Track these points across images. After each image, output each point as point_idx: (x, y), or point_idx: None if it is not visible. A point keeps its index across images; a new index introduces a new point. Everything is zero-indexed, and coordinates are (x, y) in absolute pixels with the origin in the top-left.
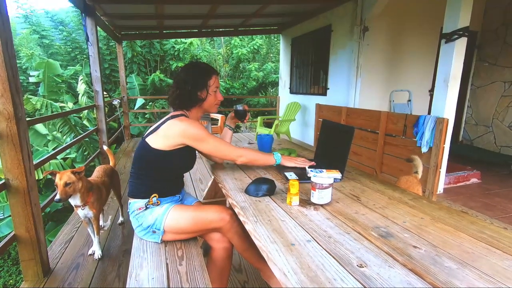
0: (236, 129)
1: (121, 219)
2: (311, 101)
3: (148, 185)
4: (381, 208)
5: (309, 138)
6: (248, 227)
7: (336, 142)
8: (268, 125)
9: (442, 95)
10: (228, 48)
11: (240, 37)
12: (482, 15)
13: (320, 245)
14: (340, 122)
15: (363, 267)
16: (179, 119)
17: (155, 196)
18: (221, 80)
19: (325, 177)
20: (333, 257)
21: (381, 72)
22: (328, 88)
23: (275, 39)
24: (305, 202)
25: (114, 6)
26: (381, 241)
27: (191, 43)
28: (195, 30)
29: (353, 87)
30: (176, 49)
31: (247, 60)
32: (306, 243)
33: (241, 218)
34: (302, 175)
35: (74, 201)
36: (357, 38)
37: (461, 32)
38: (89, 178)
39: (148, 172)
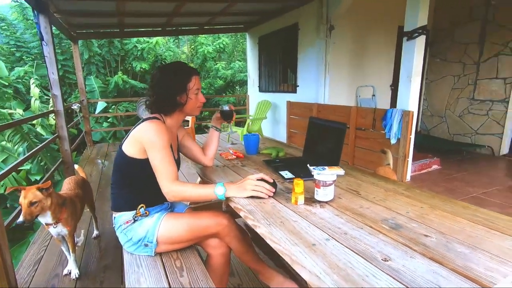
0: (205, 129)
1: (96, 232)
2: (281, 99)
3: (133, 195)
4: (382, 201)
5: (281, 135)
6: (261, 231)
7: (326, 138)
8: (238, 124)
9: (406, 89)
10: (192, 46)
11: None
12: (432, 14)
13: (339, 243)
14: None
15: (387, 260)
16: (149, 122)
17: (143, 207)
18: None
19: (328, 174)
20: (356, 253)
21: (348, 68)
22: (298, 86)
23: (241, 38)
24: (309, 200)
25: (69, 2)
26: (394, 233)
27: (156, 42)
28: (158, 29)
29: (322, 84)
30: (139, 48)
31: (212, 59)
32: (326, 242)
33: (250, 222)
34: (298, 172)
35: (45, 219)
36: (324, 36)
37: (420, 31)
38: (60, 192)
39: (130, 182)
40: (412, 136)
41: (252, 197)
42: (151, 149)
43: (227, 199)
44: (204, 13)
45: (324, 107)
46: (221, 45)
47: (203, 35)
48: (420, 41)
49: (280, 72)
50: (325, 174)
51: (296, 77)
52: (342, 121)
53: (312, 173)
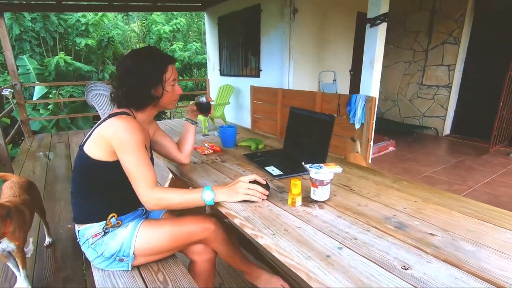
0: (163, 115)
1: (48, 240)
2: (244, 83)
3: (101, 204)
4: (376, 196)
5: (245, 121)
6: (264, 242)
7: (311, 131)
8: None
9: (368, 75)
10: (144, 24)
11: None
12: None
13: (353, 251)
14: (298, 106)
15: (407, 269)
16: (117, 119)
17: (114, 216)
18: None
19: (326, 172)
20: (374, 263)
21: (311, 53)
22: (261, 70)
23: (196, 17)
24: (305, 199)
25: None
26: (400, 234)
27: (104, 15)
28: (105, 3)
29: (287, 69)
30: (83, 22)
31: (167, 39)
32: (339, 252)
33: (250, 232)
34: (285, 168)
35: None
36: (288, 20)
37: (382, 18)
38: (3, 201)
39: (97, 188)
40: (374, 121)
41: (244, 201)
42: (123, 151)
43: (216, 204)
44: None
45: (289, 92)
46: (177, 25)
47: (157, 13)
48: (382, 28)
49: (242, 56)
50: (323, 173)
51: (260, 61)
52: (307, 107)
53: (309, 172)
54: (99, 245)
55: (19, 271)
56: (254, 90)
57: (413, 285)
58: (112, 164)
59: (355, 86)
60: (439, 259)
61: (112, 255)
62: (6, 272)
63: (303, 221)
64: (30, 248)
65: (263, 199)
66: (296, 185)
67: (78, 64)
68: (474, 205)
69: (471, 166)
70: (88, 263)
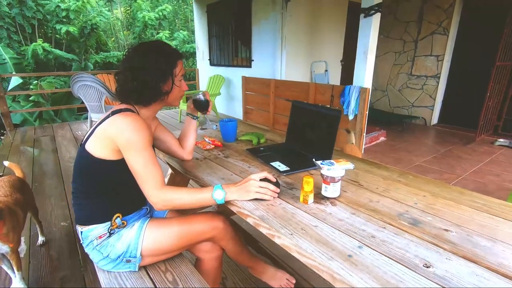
0: None
1: (41, 239)
2: (235, 74)
3: (105, 204)
4: (385, 191)
5: (236, 112)
6: (282, 242)
7: (316, 125)
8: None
9: (362, 66)
10: (128, 11)
11: None
12: None
13: (373, 250)
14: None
15: (429, 267)
16: (122, 116)
17: (119, 217)
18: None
19: (338, 169)
20: (396, 261)
21: (303, 43)
22: (253, 60)
23: (184, 4)
24: (317, 196)
25: None
26: (416, 230)
27: (86, 1)
28: None
29: (279, 59)
30: (62, 8)
31: (153, 27)
32: (360, 251)
33: (266, 232)
34: (291, 163)
35: None
36: (280, 8)
37: (376, 8)
38: None
39: (101, 188)
40: (367, 112)
41: (255, 199)
42: (130, 151)
43: (226, 202)
44: None
45: (282, 83)
46: (164, 12)
47: None
48: (376, 18)
49: (232, 45)
50: (335, 170)
51: (251, 51)
52: (300, 98)
53: (321, 169)
54: (104, 247)
55: (13, 272)
56: (246, 80)
57: (438, 284)
58: (116, 163)
59: (346, 76)
60: (458, 255)
61: (119, 257)
62: None
63: (319, 219)
64: (22, 248)
65: (274, 197)
66: (308, 182)
67: (58, 52)
68: (481, 198)
69: (459, 155)
70: (85, 262)
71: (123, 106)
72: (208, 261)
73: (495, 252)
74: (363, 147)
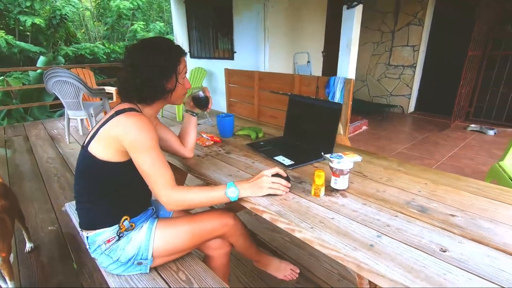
0: None
1: (29, 245)
2: (216, 66)
3: (112, 207)
4: (389, 181)
5: (220, 105)
6: (303, 235)
7: (316, 119)
8: None
9: (346, 57)
10: (98, 1)
11: None
12: None
13: (392, 238)
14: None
15: (445, 251)
16: (127, 116)
17: (126, 219)
18: (99, 42)
19: (347, 162)
20: (415, 248)
21: (286, 34)
22: (235, 52)
23: None
24: (326, 189)
25: None
26: (425, 217)
27: None
28: None
29: (262, 50)
30: None
31: (127, 17)
32: (380, 240)
33: (284, 226)
34: (295, 157)
35: None
36: None
37: None
38: None
39: (106, 191)
40: (351, 102)
41: (268, 194)
42: (137, 152)
43: (239, 199)
44: None
45: (266, 75)
46: (137, 2)
47: None
48: (359, 10)
49: (214, 37)
50: (345, 162)
51: (233, 43)
52: (285, 89)
53: (331, 162)
54: (113, 251)
55: (6, 282)
56: (229, 73)
57: (457, 267)
58: (123, 164)
59: (328, 67)
60: (467, 238)
61: (129, 259)
62: None
63: (333, 211)
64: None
65: (286, 192)
66: (320, 176)
67: (23, 45)
68: (476, 183)
69: (435, 141)
70: (80, 265)
71: (127, 105)
72: (218, 258)
73: (498, 233)
74: (348, 136)
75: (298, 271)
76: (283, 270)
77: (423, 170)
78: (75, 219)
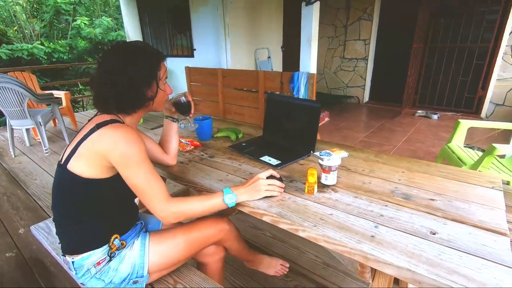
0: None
1: None
2: (175, 65)
3: (100, 227)
4: (372, 172)
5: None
6: (308, 234)
7: (295, 118)
8: None
9: (307, 53)
10: None
11: None
12: None
13: (388, 227)
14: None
15: (435, 233)
16: (112, 128)
17: (117, 237)
18: (37, 42)
19: (336, 158)
20: (410, 234)
21: (246, 30)
22: (195, 49)
23: None
24: (317, 186)
25: None
26: (411, 203)
27: None
28: None
29: (223, 47)
30: None
31: (68, 13)
32: (378, 231)
33: (286, 227)
34: (279, 156)
35: None
36: None
37: None
38: None
39: (92, 211)
40: (315, 96)
41: (264, 197)
42: (127, 167)
43: (237, 204)
44: None
45: (230, 72)
46: None
47: None
48: (317, 6)
49: (170, 34)
50: (334, 159)
51: (192, 39)
52: (249, 86)
53: (321, 160)
54: (105, 273)
55: None
56: (190, 71)
57: (450, 247)
58: (109, 180)
59: (288, 62)
60: (450, 219)
61: (124, 280)
62: None
63: (330, 207)
64: None
65: (281, 192)
66: (313, 174)
67: None
68: (445, 168)
69: (390, 128)
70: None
71: (107, 117)
72: (213, 264)
73: (473, 211)
74: None
75: (288, 265)
76: (274, 267)
77: (397, 159)
78: (45, 241)
